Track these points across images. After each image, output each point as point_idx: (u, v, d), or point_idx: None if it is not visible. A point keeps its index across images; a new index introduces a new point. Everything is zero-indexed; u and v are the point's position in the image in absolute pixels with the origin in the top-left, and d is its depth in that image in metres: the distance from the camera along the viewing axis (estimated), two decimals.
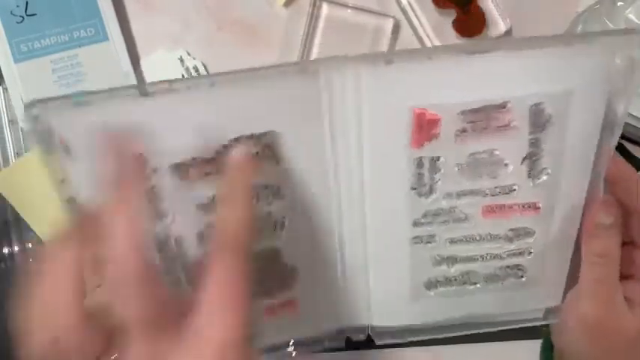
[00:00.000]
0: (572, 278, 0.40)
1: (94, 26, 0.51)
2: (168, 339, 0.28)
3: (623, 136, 0.56)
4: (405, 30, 0.56)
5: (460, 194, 0.38)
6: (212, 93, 0.33)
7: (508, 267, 0.41)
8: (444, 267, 0.41)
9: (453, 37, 0.54)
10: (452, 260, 0.41)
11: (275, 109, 0.34)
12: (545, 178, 0.37)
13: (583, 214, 0.38)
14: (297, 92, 0.34)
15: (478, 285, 0.42)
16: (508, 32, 0.55)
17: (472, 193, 0.38)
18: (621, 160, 0.37)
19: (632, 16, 0.50)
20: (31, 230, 0.51)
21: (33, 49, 0.50)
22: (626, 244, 0.37)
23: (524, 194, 0.38)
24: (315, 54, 0.54)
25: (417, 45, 0.56)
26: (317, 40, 0.54)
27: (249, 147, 0.34)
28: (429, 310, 0.43)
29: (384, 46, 0.54)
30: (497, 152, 0.37)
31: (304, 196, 0.37)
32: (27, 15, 0.50)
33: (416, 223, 0.39)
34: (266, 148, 0.35)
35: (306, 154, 0.36)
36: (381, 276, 0.41)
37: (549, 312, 0.43)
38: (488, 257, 0.41)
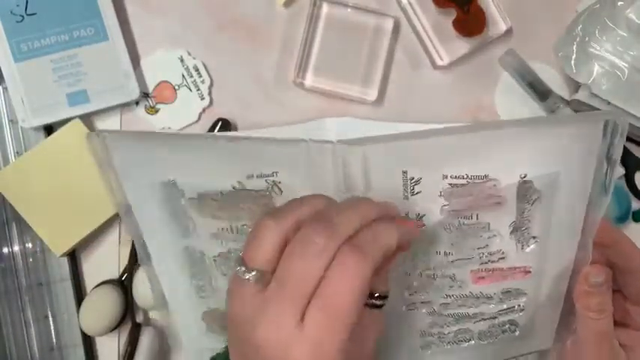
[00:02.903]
0: (563, 321, 0.42)
1: (94, 26, 0.51)
2: None
3: None
4: (405, 29, 0.56)
5: (452, 260, 0.40)
6: (223, 144, 0.41)
7: (501, 324, 0.43)
8: (438, 329, 0.43)
9: (453, 37, 0.54)
10: (446, 322, 0.43)
11: (277, 159, 0.40)
12: (533, 246, 0.40)
13: (574, 273, 0.40)
14: (292, 152, 0.39)
15: (472, 342, 0.43)
16: (508, 32, 0.55)
17: (462, 260, 0.40)
18: (610, 226, 0.39)
19: (632, 16, 0.50)
20: (31, 230, 0.51)
21: (33, 48, 0.50)
22: (623, 298, 0.39)
23: (513, 260, 0.40)
24: (315, 53, 0.54)
25: (417, 45, 0.56)
26: (317, 40, 0.54)
27: (258, 185, 0.41)
28: None
29: (384, 45, 0.54)
30: (486, 223, 0.39)
31: None
32: (27, 14, 0.50)
33: (410, 288, 0.41)
34: (273, 186, 0.41)
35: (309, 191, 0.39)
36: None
37: (542, 354, 0.45)
38: (481, 317, 0.43)
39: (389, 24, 0.54)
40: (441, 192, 0.38)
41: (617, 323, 0.39)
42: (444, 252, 0.40)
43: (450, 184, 0.37)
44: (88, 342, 0.53)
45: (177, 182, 0.41)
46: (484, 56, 0.56)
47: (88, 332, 0.50)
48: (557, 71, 0.56)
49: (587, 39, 0.51)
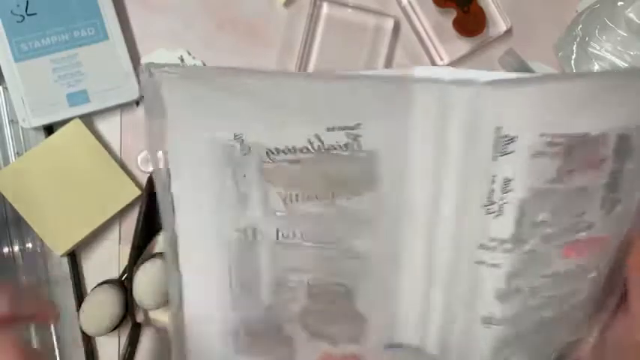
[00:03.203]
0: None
1: (94, 26, 0.51)
2: None
3: None
4: (405, 29, 0.56)
5: (537, 226, 0.36)
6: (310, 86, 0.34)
7: (564, 309, 0.39)
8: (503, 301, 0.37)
9: (453, 37, 0.54)
10: (513, 294, 0.37)
11: (366, 104, 0.34)
12: (619, 209, 0.36)
13: (622, 245, 0.38)
14: (386, 96, 0.34)
15: (544, 332, 0.39)
16: (508, 32, 0.55)
17: (559, 233, 0.36)
18: None
19: (632, 16, 0.50)
20: (31, 230, 0.51)
21: (33, 48, 0.50)
22: None
23: (599, 228, 0.36)
24: (315, 54, 0.54)
25: (417, 45, 0.56)
26: (317, 40, 0.54)
27: (339, 138, 0.35)
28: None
29: (384, 45, 0.54)
30: (583, 186, 0.35)
31: (390, 224, 0.37)
32: (27, 14, 0.50)
33: (482, 246, 0.36)
34: (355, 142, 0.35)
35: (391, 147, 0.36)
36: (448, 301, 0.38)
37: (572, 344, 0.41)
38: (553, 299, 0.38)
39: (389, 24, 0.54)
40: (535, 153, 0.34)
41: None
42: (540, 221, 0.36)
43: (548, 143, 0.34)
44: (88, 342, 0.53)
45: (245, 137, 0.34)
46: (484, 56, 0.56)
47: (88, 332, 0.50)
48: (557, 71, 0.56)
49: (587, 39, 0.51)
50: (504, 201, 0.35)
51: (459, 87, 0.33)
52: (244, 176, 0.35)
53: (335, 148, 0.35)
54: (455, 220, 0.37)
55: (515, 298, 0.37)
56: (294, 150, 0.35)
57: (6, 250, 0.53)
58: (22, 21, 0.50)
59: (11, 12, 0.50)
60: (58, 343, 0.53)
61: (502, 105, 0.33)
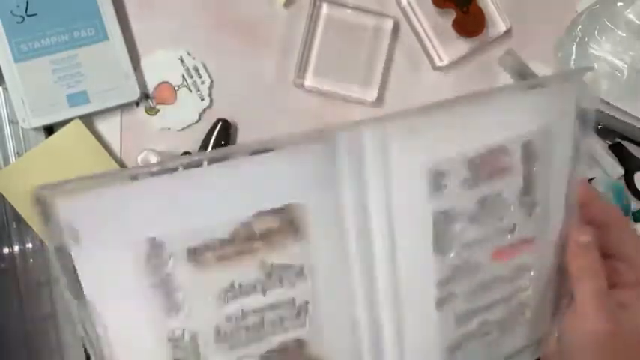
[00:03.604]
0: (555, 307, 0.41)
1: (94, 26, 0.51)
2: None
3: (622, 137, 0.56)
4: (405, 30, 0.56)
5: (472, 243, 0.38)
6: (218, 171, 0.31)
7: (514, 307, 0.41)
8: (464, 324, 0.39)
9: (452, 38, 0.54)
10: (470, 314, 0.39)
11: (294, 180, 0.32)
12: (537, 210, 0.38)
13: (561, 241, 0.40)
14: (314, 160, 0.32)
15: (494, 334, 0.41)
16: (507, 32, 0.55)
17: (483, 239, 0.38)
18: (586, 184, 0.40)
19: (631, 17, 0.50)
20: (31, 230, 0.51)
21: (33, 49, 0.50)
22: (607, 257, 0.40)
23: (521, 230, 0.39)
24: (315, 54, 0.54)
25: (416, 46, 0.56)
26: (317, 40, 0.54)
27: (269, 223, 0.32)
28: None
29: (383, 46, 0.54)
30: (502, 194, 0.37)
31: (328, 274, 0.35)
32: (27, 15, 0.50)
33: (440, 283, 0.37)
34: (287, 224, 0.33)
35: (329, 225, 0.34)
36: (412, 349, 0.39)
37: (539, 343, 0.43)
38: (497, 301, 0.40)
39: (388, 25, 0.54)
40: (462, 177, 0.35)
41: (609, 285, 0.39)
42: (466, 231, 0.38)
43: (469, 162, 0.35)
44: None
45: (158, 238, 0.31)
46: (483, 57, 0.56)
47: None
48: (556, 71, 0.56)
49: (586, 39, 0.51)
50: (452, 234, 0.37)
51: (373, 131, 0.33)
52: (167, 278, 0.32)
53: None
54: (407, 272, 0.38)
55: (451, 303, 0.38)
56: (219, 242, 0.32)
57: (6, 250, 0.53)
58: (22, 22, 0.50)
59: (11, 12, 0.50)
60: (58, 343, 0.53)
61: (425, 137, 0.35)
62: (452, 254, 0.37)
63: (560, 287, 0.41)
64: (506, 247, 0.39)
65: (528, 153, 0.37)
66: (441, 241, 0.36)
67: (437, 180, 0.35)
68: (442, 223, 0.36)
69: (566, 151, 0.38)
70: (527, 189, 0.38)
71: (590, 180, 0.55)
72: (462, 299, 0.38)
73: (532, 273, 0.40)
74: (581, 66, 0.43)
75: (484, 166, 0.36)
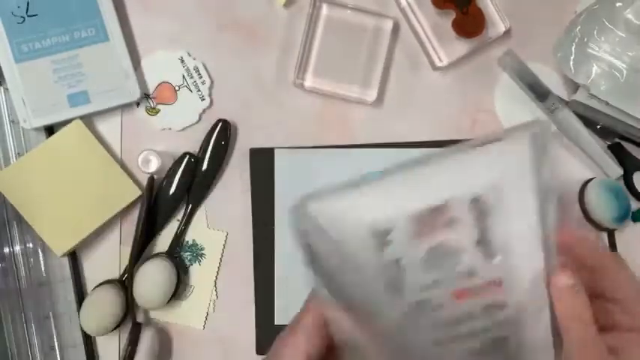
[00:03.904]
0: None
1: (94, 26, 0.51)
2: None
3: (622, 137, 0.56)
4: (405, 30, 0.56)
5: (429, 287, 0.38)
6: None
7: (494, 341, 0.41)
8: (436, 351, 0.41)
9: (452, 38, 0.55)
10: (439, 343, 0.40)
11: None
12: (500, 257, 0.39)
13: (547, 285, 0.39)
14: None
15: None
16: (507, 33, 0.55)
17: (439, 283, 0.38)
18: (569, 228, 0.38)
19: (630, 17, 0.50)
20: (32, 230, 0.51)
21: (34, 49, 0.51)
22: (597, 298, 0.39)
23: (484, 274, 0.39)
24: (314, 54, 0.54)
25: (416, 46, 0.56)
26: (317, 41, 0.54)
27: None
28: None
29: (383, 46, 0.54)
30: (451, 243, 0.38)
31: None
32: (28, 15, 0.50)
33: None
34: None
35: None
36: None
37: None
38: (472, 334, 0.41)
39: (388, 25, 0.55)
40: (409, 233, 0.37)
41: (600, 328, 0.38)
42: (419, 277, 0.40)
43: (415, 221, 0.37)
44: (89, 342, 0.53)
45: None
46: (483, 57, 0.56)
47: (89, 332, 0.50)
48: (555, 72, 0.56)
49: (585, 40, 0.51)
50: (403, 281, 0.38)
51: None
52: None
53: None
54: None
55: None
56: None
57: (6, 250, 0.53)
58: (22, 22, 0.50)
59: (12, 13, 0.50)
60: (58, 343, 0.53)
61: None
62: (406, 298, 0.38)
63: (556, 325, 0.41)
64: (466, 289, 0.39)
65: (479, 208, 0.37)
66: (392, 287, 0.38)
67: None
68: (392, 270, 0.37)
69: (527, 201, 0.38)
70: (484, 239, 0.38)
71: (589, 180, 0.55)
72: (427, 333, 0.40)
73: (508, 311, 0.40)
74: (531, 120, 0.44)
75: (429, 221, 0.37)
